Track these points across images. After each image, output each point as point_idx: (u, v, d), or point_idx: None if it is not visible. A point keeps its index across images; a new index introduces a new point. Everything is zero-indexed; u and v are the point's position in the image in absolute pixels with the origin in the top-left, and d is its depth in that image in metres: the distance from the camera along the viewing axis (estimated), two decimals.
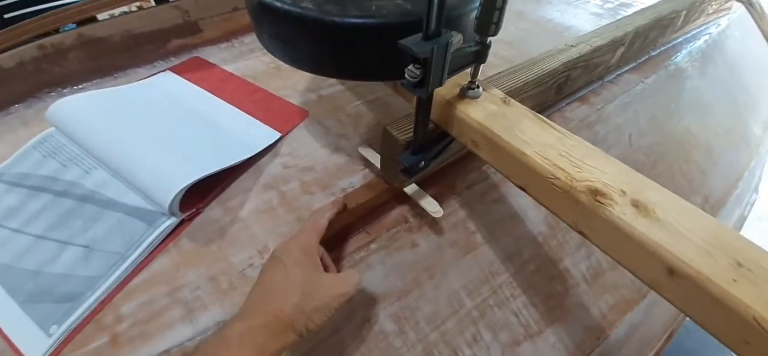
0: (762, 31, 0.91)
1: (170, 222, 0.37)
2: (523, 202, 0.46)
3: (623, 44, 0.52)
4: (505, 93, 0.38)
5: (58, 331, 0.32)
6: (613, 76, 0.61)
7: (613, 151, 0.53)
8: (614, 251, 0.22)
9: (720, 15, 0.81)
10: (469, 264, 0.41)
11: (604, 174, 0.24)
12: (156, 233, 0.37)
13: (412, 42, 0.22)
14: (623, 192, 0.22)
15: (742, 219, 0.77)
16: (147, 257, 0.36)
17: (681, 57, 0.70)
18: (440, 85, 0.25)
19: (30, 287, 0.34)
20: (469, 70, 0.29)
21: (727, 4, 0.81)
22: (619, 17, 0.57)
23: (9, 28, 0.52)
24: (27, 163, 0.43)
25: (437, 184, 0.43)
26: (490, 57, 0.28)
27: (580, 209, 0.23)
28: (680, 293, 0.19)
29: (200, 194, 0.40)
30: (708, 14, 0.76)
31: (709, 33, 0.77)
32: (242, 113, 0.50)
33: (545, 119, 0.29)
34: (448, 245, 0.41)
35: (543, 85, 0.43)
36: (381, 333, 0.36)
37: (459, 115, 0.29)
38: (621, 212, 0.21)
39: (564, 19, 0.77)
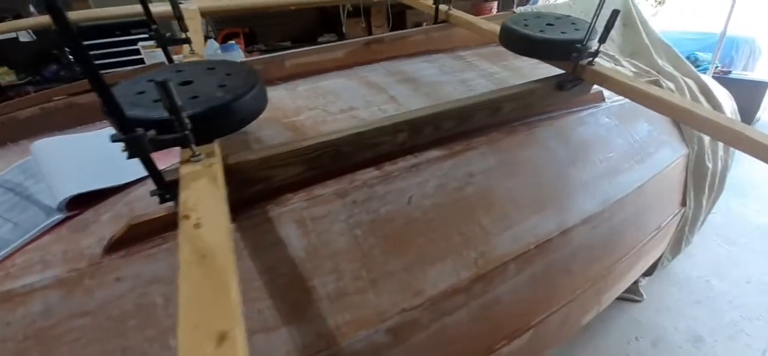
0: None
1: (58, 217, 0.63)
2: (289, 233, 0.64)
3: (402, 131, 0.70)
4: (264, 159, 0.59)
5: None
6: (422, 150, 0.76)
7: (387, 207, 0.69)
8: None
9: (592, 105, 0.92)
10: None
11: (201, 207, 0.43)
12: (49, 221, 0.62)
13: (114, 135, 0.45)
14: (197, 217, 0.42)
15: None
16: (41, 234, 0.62)
17: (512, 134, 0.83)
18: (143, 155, 0.47)
19: None
20: None
21: (591, 96, 0.92)
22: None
23: (39, 93, 0.86)
24: (10, 174, 0.73)
25: None
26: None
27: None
28: None
29: (83, 202, 0.65)
30: (556, 105, 0.88)
31: (570, 117, 0.89)
32: None
33: (222, 178, 0.49)
34: None
35: (303, 156, 0.62)
36: (154, 304, 0.57)
37: (181, 170, 0.51)
38: (190, 225, 0.41)
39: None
